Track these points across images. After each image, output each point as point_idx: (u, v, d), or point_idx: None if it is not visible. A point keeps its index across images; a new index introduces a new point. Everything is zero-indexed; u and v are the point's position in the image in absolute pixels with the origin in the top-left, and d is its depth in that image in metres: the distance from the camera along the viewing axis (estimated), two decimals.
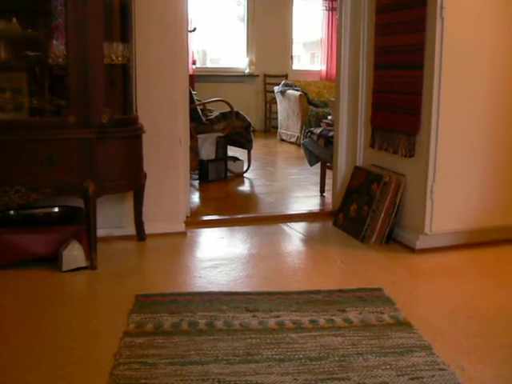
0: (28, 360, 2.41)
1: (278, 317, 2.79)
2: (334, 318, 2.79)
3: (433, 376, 2.27)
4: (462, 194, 3.82)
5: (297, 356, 2.42)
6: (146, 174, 3.89)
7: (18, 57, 3.58)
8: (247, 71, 10.71)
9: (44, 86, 3.62)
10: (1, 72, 3.59)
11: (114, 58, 3.58)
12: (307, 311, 2.86)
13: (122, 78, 3.78)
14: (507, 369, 2.38)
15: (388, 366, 2.34)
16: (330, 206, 4.99)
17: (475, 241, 3.92)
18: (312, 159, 5.62)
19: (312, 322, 2.74)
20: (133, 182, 3.74)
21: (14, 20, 3.44)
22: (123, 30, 3.71)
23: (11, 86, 3.57)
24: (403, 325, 2.73)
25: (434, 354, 2.45)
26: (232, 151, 6.72)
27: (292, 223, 4.54)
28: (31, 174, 3.36)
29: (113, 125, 3.46)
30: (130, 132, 3.63)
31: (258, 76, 10.69)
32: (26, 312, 2.89)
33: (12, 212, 3.64)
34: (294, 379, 2.24)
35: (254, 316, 2.80)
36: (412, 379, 2.25)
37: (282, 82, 9.69)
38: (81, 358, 2.42)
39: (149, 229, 4.04)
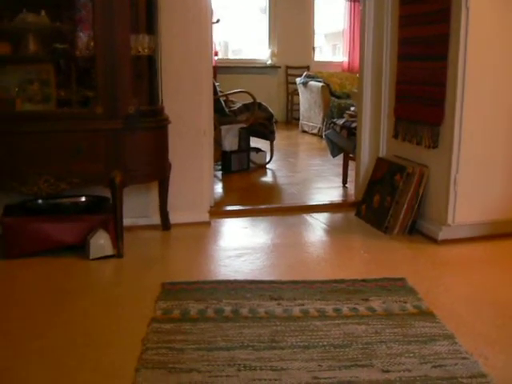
0: (56, 344, 2.47)
1: (303, 305, 2.83)
2: (357, 306, 2.82)
3: (455, 364, 2.29)
4: (486, 185, 3.82)
5: (321, 343, 2.46)
6: (170, 165, 3.94)
7: (46, 49, 3.64)
8: (269, 62, 10.72)
9: (71, 77, 3.68)
10: (29, 64, 3.66)
11: (140, 49, 3.63)
12: (331, 300, 2.90)
13: (147, 69, 3.83)
14: None
15: (411, 354, 2.37)
16: (353, 197, 5.00)
17: (499, 232, 3.91)
18: (335, 150, 5.63)
19: (336, 310, 2.78)
20: (158, 172, 3.80)
21: (43, 13, 3.49)
22: (149, 22, 3.76)
23: (39, 78, 3.64)
24: (426, 314, 2.75)
25: (456, 342, 2.47)
26: (254, 142, 6.74)
27: (315, 214, 4.57)
28: (60, 164, 3.43)
29: (139, 116, 3.52)
30: (155, 123, 3.68)
31: (279, 67, 10.70)
32: (56, 298, 2.96)
33: (40, 201, 3.71)
34: (319, 365, 2.28)
35: (278, 304, 2.84)
36: (435, 367, 2.28)
37: (304, 74, 9.69)
38: (109, 343, 2.49)
39: (173, 218, 4.10)
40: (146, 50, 3.66)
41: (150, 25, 3.75)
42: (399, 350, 2.41)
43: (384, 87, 4.46)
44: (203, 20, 4.13)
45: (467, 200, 3.76)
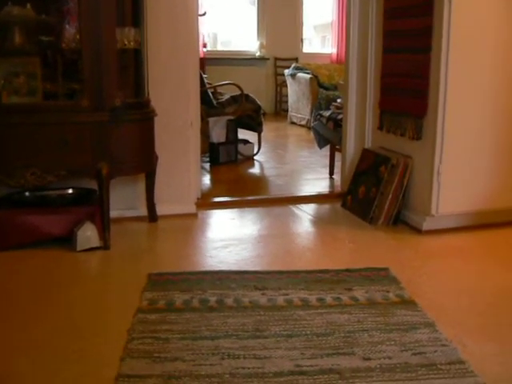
0: (43, 335, 2.50)
1: (287, 295, 2.87)
2: (340, 296, 2.87)
3: (435, 351, 2.34)
4: (469, 176, 3.86)
5: (304, 332, 2.50)
6: (157, 157, 3.96)
7: (32, 42, 3.65)
8: (258, 54, 10.73)
9: (57, 70, 3.69)
10: (15, 57, 3.65)
11: (126, 42, 3.65)
12: (315, 289, 2.94)
13: (133, 62, 3.86)
14: (508, 345, 2.45)
15: (392, 342, 2.42)
16: (339, 188, 5.05)
17: (482, 222, 3.96)
18: (321, 142, 5.67)
19: (319, 299, 2.82)
20: (145, 164, 3.82)
21: (29, 6, 3.49)
22: (135, 15, 3.77)
23: (25, 71, 3.64)
24: (408, 303, 2.80)
25: (437, 330, 2.52)
26: (242, 134, 6.76)
27: (301, 205, 4.61)
28: (46, 156, 3.44)
29: (125, 108, 3.54)
30: (141, 115, 3.70)
31: (268, 59, 10.71)
32: (41, 290, 2.99)
33: (27, 193, 3.72)
34: (301, 353, 2.32)
35: (262, 294, 2.88)
36: (415, 354, 2.32)
37: (293, 65, 9.70)
38: (95, 333, 2.52)
39: (160, 210, 4.12)
40: (131, 43, 3.68)
41: (135, 17, 3.77)
42: (380, 338, 2.46)
43: (369, 79, 4.49)
44: (190, 12, 4.15)
45: (451, 190, 3.81)
